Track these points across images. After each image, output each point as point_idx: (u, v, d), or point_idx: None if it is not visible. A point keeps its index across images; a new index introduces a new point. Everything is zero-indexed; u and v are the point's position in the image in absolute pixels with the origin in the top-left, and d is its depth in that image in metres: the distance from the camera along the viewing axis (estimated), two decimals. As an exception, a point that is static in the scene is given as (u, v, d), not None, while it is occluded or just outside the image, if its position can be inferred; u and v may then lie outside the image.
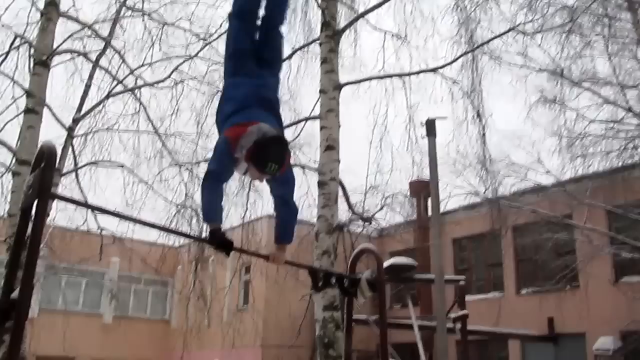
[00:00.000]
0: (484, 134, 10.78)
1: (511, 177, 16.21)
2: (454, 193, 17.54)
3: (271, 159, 3.46)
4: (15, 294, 2.78)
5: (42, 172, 2.83)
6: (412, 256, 17.01)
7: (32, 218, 2.91)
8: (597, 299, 16.41)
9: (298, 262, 4.56)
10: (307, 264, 5.36)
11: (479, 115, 10.61)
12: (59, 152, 9.98)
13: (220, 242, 3.68)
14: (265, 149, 3.46)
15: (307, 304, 13.03)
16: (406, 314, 17.22)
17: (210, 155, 11.45)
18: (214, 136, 12.56)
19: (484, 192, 14.46)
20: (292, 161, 4.24)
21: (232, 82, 4.16)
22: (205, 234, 11.04)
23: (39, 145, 4.02)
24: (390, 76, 10.65)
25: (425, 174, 14.16)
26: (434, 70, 10.31)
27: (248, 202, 11.07)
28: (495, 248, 20.76)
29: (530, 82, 16.78)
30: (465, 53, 10.68)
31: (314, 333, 9.15)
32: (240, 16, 4.20)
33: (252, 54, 4.10)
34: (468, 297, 18.40)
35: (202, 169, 11.77)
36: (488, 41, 10.70)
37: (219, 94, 11.41)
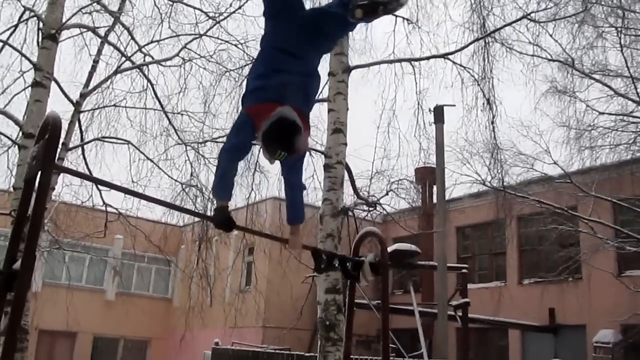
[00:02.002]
0: (493, 122, 10.68)
1: (518, 167, 16.17)
2: (460, 181, 17.52)
3: (281, 147, 3.37)
4: (17, 265, 2.77)
5: (46, 142, 2.81)
6: (415, 243, 17.02)
7: (35, 189, 2.89)
8: (599, 291, 16.41)
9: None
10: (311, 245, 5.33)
11: (489, 102, 10.52)
12: (65, 126, 9.96)
13: (221, 219, 3.66)
14: (277, 137, 3.37)
15: (309, 286, 13.07)
16: (407, 300, 17.27)
17: (216, 134, 11.44)
18: (221, 116, 12.61)
19: (490, 181, 14.40)
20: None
21: (264, 51, 3.80)
22: (210, 212, 11.08)
23: (45, 118, 4.00)
24: (400, 61, 10.56)
25: (432, 161, 14.13)
26: (445, 56, 10.20)
27: (253, 183, 11.05)
28: (499, 237, 20.77)
29: (541, 72, 16.69)
30: (477, 40, 10.57)
31: (316, 315, 9.16)
32: None
33: (286, 11, 3.70)
34: (470, 286, 18.47)
35: (208, 149, 11.78)
36: (500, 28, 10.59)
37: (227, 73, 11.44)
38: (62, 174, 9.85)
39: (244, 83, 11.47)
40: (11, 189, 9.25)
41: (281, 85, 3.57)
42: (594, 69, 13.82)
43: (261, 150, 3.58)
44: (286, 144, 3.38)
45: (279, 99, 3.49)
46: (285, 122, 3.37)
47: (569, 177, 15.67)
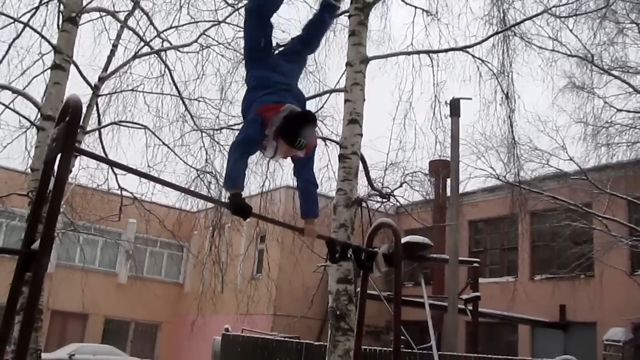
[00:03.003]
0: (510, 117, 10.61)
1: (533, 162, 16.10)
2: (474, 175, 17.47)
3: (300, 134, 3.61)
4: (35, 245, 2.80)
5: (67, 125, 2.83)
6: (427, 235, 16.99)
7: (55, 171, 2.92)
8: (611, 289, 16.33)
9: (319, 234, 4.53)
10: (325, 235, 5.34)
11: (507, 97, 10.44)
12: (83, 110, 10.02)
13: (238, 205, 3.68)
14: (295, 124, 3.63)
15: (321, 275, 13.10)
16: (418, 293, 17.27)
17: (232, 122, 11.48)
18: (238, 103, 12.60)
19: (505, 176, 14.34)
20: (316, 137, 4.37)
21: (258, 74, 4.16)
22: (224, 199, 11.14)
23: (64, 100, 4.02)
24: (418, 52, 10.48)
25: (447, 154, 14.08)
26: (464, 48, 10.12)
27: (267, 171, 11.08)
28: (512, 232, 20.71)
29: (560, 67, 16.55)
30: (497, 33, 10.48)
31: (326, 305, 9.20)
32: (256, 14, 4.29)
33: (269, 48, 4.27)
34: (481, 280, 18.45)
35: (224, 136, 11.81)
36: (520, 22, 10.49)
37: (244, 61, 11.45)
38: (78, 157, 9.93)
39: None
40: (28, 170, 9.33)
41: (284, 91, 3.96)
42: (613, 65, 13.71)
43: (275, 151, 3.86)
44: (305, 131, 3.63)
45: (284, 101, 3.82)
46: (299, 113, 3.69)
47: (584, 174, 15.58)
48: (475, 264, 18.29)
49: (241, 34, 11.59)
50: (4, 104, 9.96)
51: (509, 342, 19.82)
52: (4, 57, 10.28)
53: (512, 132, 11.13)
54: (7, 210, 11.62)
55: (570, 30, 11.36)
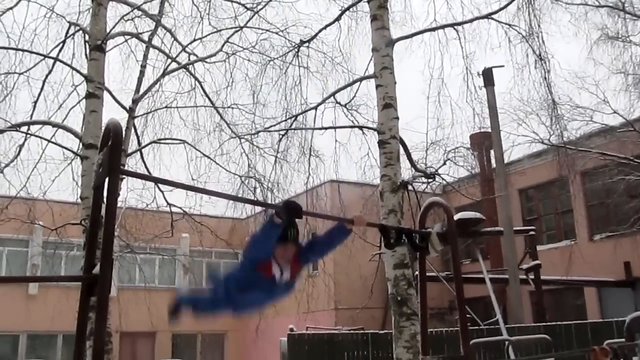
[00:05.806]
0: (547, 78, 10.38)
1: (576, 121, 15.74)
2: (517, 142, 17.18)
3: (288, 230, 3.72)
4: (96, 270, 2.86)
5: (110, 149, 2.89)
6: (478, 210, 16.78)
7: (105, 195, 2.97)
8: (676, 239, 15.90)
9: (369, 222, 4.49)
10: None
11: (540, 58, 10.22)
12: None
13: (290, 205, 3.71)
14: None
15: (376, 263, 13.06)
16: (476, 269, 17.10)
17: (267, 124, 11.48)
18: (270, 105, 12.64)
19: (549, 138, 14.06)
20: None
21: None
22: (270, 201, 11.18)
23: (103, 127, 4.10)
24: (443, 27, 10.35)
25: (487, 125, 13.88)
26: (488, 16, 9.95)
27: (310, 167, 11.08)
28: (564, 195, 20.33)
29: (590, 20, 16.11)
30: (520, -6, 10.28)
31: (386, 292, 9.17)
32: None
33: None
34: (539, 247, 18.15)
35: (262, 139, 11.86)
36: (543, -21, 10.27)
37: (272, 62, 11.46)
38: (125, 179, 10.13)
39: (289, 70, 11.53)
40: (79, 200, 9.54)
41: None
42: (646, 10, 13.29)
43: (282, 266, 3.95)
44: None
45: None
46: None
47: (631, 125, 15.18)
48: (531, 232, 18.01)
49: (264, 35, 11.66)
50: (46, 139, 10.23)
51: (577, 307, 19.46)
52: (39, 93, 10.56)
53: (551, 93, 10.89)
54: (64, 241, 11.89)
55: (597, -20, 11.07)
